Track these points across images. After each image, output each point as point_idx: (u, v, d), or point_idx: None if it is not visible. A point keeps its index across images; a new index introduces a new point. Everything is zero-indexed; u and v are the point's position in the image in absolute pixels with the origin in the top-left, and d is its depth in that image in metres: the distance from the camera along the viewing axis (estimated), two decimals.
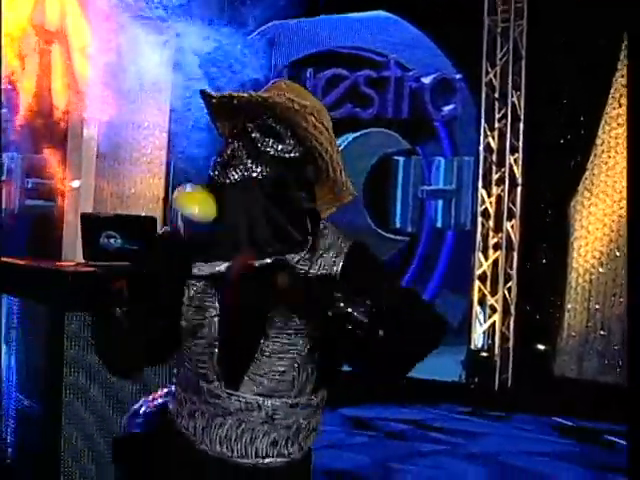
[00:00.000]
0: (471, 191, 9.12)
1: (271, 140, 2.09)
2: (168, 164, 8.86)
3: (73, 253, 7.80)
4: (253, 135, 2.08)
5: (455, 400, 8.01)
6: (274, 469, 2.16)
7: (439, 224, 9.61)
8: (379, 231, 9.62)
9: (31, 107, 9.47)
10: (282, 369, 2.10)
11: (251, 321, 2.09)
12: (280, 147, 2.10)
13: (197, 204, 2.04)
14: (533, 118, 8.48)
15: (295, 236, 2.10)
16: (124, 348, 2.14)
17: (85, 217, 5.54)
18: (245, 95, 2.09)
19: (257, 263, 2.02)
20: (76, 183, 9.52)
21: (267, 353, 2.09)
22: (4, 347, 5.31)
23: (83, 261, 5.37)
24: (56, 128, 9.37)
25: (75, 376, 4.34)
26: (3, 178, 9.56)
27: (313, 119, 2.11)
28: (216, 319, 2.10)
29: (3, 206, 9.79)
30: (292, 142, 2.12)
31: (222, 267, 2.06)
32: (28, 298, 4.91)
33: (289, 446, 2.16)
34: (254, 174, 2.07)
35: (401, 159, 9.63)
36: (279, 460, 2.15)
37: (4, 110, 9.66)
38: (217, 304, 2.10)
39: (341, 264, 2.13)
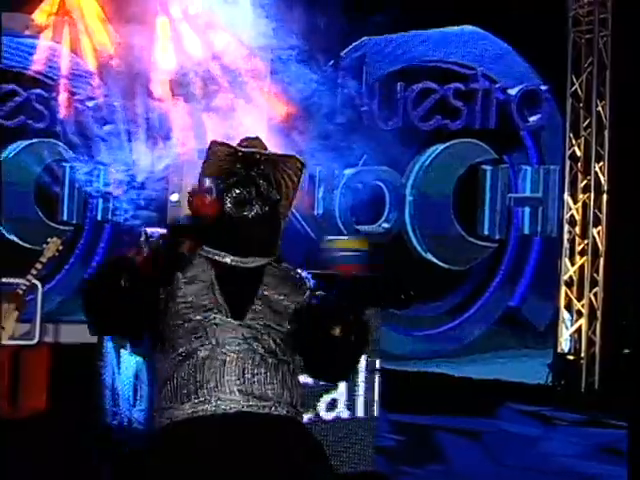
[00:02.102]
0: (557, 198, 9.32)
1: (270, 187, 2.86)
2: None
3: None
4: (260, 182, 2.85)
5: (542, 402, 8.21)
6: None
7: (526, 231, 9.84)
8: (468, 238, 9.93)
9: None
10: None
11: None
12: (273, 192, 2.86)
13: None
14: (618, 126, 8.65)
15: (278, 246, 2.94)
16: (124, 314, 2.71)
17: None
18: (269, 153, 2.91)
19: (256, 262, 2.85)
20: (175, 197, 10.09)
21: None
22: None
23: None
24: None
25: None
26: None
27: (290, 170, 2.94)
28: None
29: (109, 216, 10.48)
30: (275, 188, 2.90)
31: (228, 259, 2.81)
32: None
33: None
34: (261, 211, 2.83)
35: (489, 168, 9.91)
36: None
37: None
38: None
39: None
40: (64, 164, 10.50)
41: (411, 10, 9.07)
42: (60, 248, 6.16)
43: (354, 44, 10.01)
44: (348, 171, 10.04)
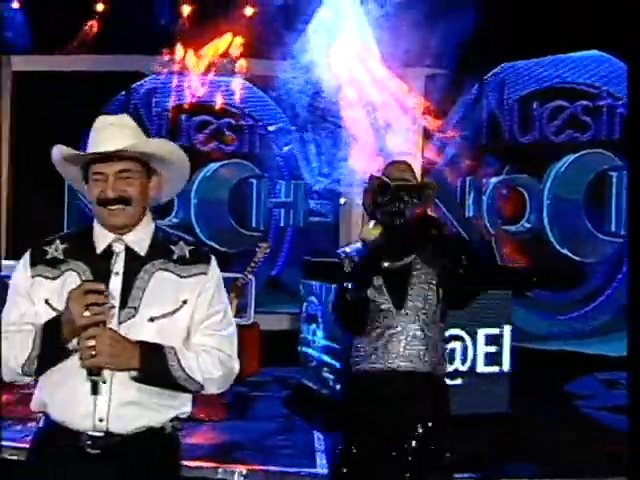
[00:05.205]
0: None
1: (413, 201, 4.11)
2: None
3: None
4: (405, 198, 4.10)
5: None
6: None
7: None
8: (597, 234, 10.98)
9: None
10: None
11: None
12: (415, 203, 4.11)
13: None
14: None
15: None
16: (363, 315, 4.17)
17: None
18: (410, 184, 4.15)
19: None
20: (342, 200, 11.62)
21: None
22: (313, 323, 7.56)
23: None
24: None
25: None
26: None
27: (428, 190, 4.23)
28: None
29: (290, 222, 12.06)
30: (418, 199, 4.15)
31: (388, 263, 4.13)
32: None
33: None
34: (406, 220, 4.11)
35: (614, 174, 10.87)
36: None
37: None
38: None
39: None
40: (251, 180, 11.92)
41: (542, 37, 10.32)
42: (268, 251, 7.93)
43: (495, 70, 11.28)
44: (494, 179, 11.46)
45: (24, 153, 11.30)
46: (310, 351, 7.65)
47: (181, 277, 3.03)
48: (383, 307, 4.12)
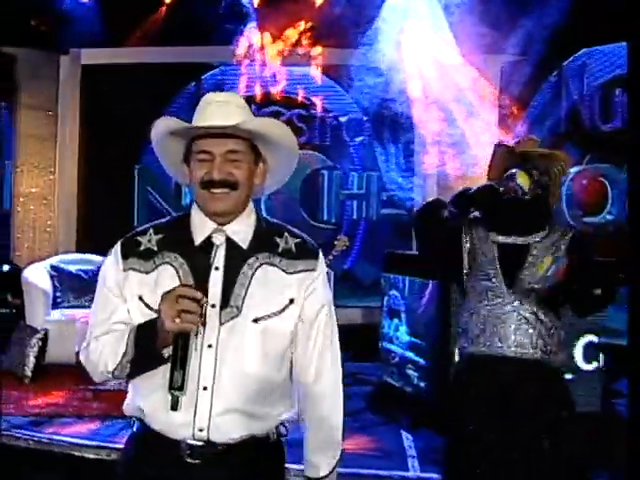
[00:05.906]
0: None
1: (541, 175, 3.91)
2: None
3: None
4: (532, 171, 3.91)
5: None
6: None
7: None
8: None
9: None
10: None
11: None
12: (544, 178, 3.91)
13: None
14: None
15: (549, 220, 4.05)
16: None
17: None
18: (537, 150, 3.96)
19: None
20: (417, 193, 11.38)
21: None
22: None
23: None
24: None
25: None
26: None
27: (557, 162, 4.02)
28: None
29: (363, 214, 11.86)
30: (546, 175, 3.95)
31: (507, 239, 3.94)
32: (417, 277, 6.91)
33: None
34: (533, 193, 3.91)
35: None
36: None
37: None
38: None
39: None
40: (323, 172, 11.72)
41: (622, 22, 9.98)
42: (347, 244, 7.76)
43: (574, 56, 10.90)
44: (574, 169, 11.06)
45: (93, 146, 11.25)
46: (392, 347, 7.40)
47: (287, 273, 2.79)
48: (493, 283, 3.88)
